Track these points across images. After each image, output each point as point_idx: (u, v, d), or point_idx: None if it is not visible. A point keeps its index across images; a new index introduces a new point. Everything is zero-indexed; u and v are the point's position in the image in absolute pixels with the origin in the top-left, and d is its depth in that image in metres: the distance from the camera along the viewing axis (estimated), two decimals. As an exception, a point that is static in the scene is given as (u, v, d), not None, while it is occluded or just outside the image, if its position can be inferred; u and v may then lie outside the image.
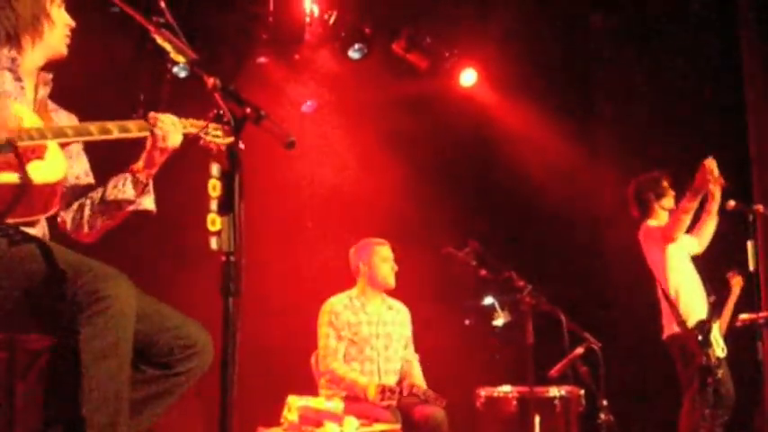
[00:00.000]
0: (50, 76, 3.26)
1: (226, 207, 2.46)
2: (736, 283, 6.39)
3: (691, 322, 5.95)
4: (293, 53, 7.96)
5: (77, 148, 3.32)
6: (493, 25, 8.40)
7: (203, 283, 3.20)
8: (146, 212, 3.29)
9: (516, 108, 8.60)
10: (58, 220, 3.24)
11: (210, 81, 2.54)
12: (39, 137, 2.87)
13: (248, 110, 2.50)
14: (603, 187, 8.47)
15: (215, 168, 2.48)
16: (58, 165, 2.96)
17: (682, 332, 5.91)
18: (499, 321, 7.16)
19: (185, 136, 3.18)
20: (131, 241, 5.51)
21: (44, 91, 3.24)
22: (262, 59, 7.90)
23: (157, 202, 3.32)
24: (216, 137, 3.11)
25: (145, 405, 2.98)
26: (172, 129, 3.13)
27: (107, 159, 3.35)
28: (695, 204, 6.04)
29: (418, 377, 6.01)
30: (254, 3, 7.51)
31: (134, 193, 3.19)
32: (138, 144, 3.19)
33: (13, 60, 3.15)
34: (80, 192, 3.27)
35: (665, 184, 6.41)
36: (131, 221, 3.32)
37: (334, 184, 7.95)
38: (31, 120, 2.96)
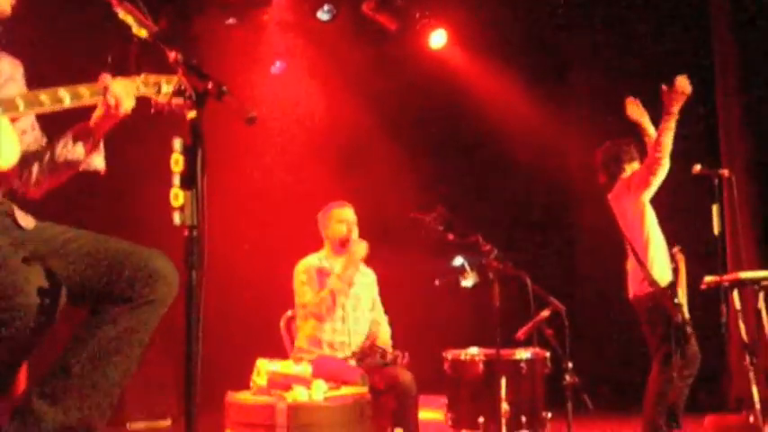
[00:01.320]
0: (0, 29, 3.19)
1: (188, 182, 2.45)
2: (680, 259, 6.43)
3: (662, 282, 6.00)
4: (262, 14, 7.91)
5: None
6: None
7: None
8: (95, 172, 3.25)
9: (486, 70, 8.59)
10: None
11: (172, 55, 2.53)
12: None
13: (210, 85, 2.48)
14: (572, 150, 8.51)
15: (177, 143, 2.47)
16: (13, 145, 2.92)
17: (654, 291, 5.96)
18: (468, 282, 7.19)
19: (138, 99, 3.12)
20: (92, 214, 5.50)
21: None
22: (230, 21, 7.85)
23: (122, 173, 3.29)
24: (167, 94, 3.06)
25: (117, 347, 2.91)
26: (123, 94, 3.05)
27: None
28: (673, 125, 6.01)
29: (385, 334, 6.08)
30: (223, -37, 7.47)
31: (83, 152, 3.16)
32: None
33: None
34: (26, 147, 3.21)
35: (635, 150, 6.42)
36: (95, 192, 3.30)
37: (302, 147, 7.93)
38: None
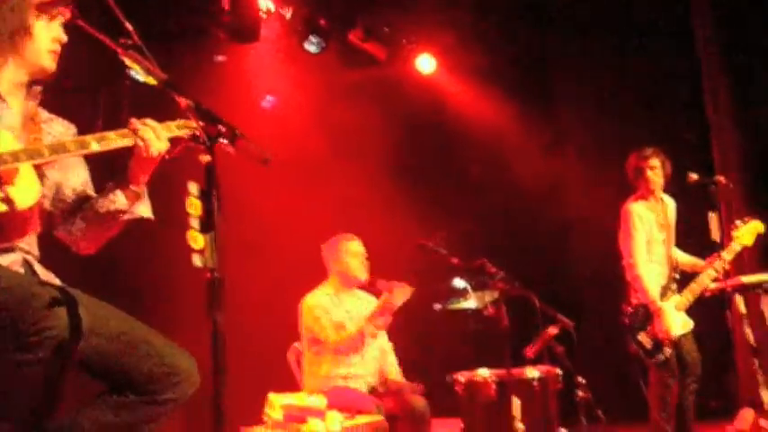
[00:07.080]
0: (39, 88, 3.15)
1: (207, 225, 2.46)
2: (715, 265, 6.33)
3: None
4: (250, 50, 7.95)
5: (75, 159, 3.20)
6: (450, 12, 8.41)
7: (186, 298, 3.19)
8: (143, 220, 3.18)
9: (476, 94, 8.64)
10: (56, 234, 3.16)
11: (183, 101, 2.55)
12: (12, 160, 2.76)
13: (223, 128, 2.51)
14: (567, 170, 8.56)
15: (193, 187, 2.48)
16: (32, 188, 2.86)
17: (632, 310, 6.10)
18: (470, 303, 7.21)
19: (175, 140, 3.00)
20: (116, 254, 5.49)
21: (33, 104, 3.12)
22: (219, 58, 7.89)
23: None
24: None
25: (127, 430, 2.93)
26: (152, 138, 2.94)
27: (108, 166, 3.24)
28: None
29: (393, 366, 6.08)
30: (210, 2, 7.50)
31: (126, 202, 3.09)
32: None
33: None
34: (78, 204, 3.17)
35: (658, 160, 6.33)
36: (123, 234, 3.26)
37: (296, 179, 7.90)
38: (6, 142, 2.84)
